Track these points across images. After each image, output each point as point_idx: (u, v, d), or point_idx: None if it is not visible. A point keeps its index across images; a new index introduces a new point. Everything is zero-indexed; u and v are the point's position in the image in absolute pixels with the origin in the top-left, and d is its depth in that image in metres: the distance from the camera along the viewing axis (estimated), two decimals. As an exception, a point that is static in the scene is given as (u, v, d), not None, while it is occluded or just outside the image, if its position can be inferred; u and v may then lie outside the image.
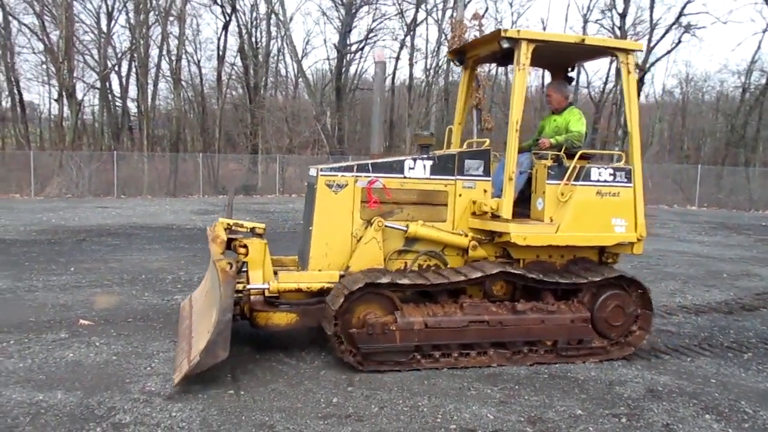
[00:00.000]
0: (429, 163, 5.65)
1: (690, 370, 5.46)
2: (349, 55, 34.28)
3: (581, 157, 5.72)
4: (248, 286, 5.34)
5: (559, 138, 5.95)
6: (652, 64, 32.98)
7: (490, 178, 5.75)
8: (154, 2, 29.83)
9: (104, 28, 30.42)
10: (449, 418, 4.23)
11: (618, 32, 31.61)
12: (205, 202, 23.17)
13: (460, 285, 5.35)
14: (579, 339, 5.51)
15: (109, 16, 30.60)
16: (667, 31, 32.40)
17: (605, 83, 34.32)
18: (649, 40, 31.22)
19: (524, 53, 5.49)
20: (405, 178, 5.62)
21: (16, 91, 29.77)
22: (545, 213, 5.61)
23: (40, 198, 22.93)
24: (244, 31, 32.46)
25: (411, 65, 35.17)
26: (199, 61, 33.42)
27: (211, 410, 4.21)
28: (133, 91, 31.51)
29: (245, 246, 5.42)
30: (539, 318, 5.36)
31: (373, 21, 33.31)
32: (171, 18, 30.34)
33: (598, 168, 5.75)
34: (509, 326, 5.31)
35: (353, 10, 33.74)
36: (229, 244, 5.42)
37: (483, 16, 31.34)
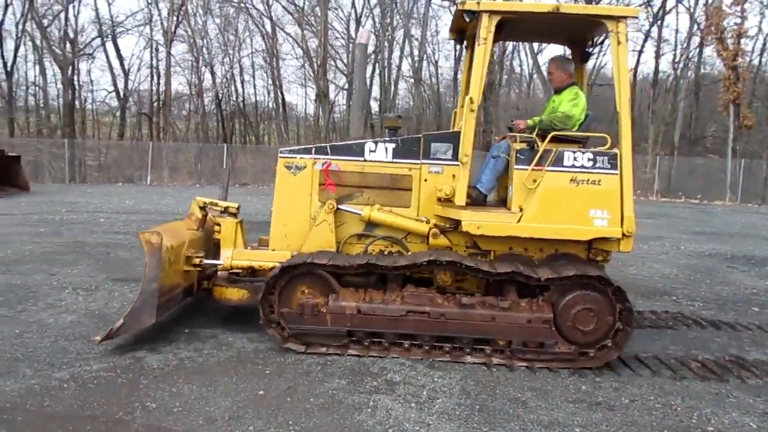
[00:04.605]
0: (392, 146, 5.49)
1: None
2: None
3: (574, 142, 5.26)
4: (204, 261, 5.58)
5: (536, 119, 5.44)
6: None
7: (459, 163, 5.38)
8: (397, 5, 31.92)
9: (353, 33, 33.33)
10: (706, 421, 4.16)
11: None
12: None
13: (385, 271, 5.09)
14: (540, 342, 4.96)
15: (358, 21, 33.45)
16: None
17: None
18: None
19: (485, 26, 5.08)
20: (365, 161, 5.51)
21: (279, 93, 34.06)
22: (513, 201, 5.18)
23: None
24: (481, 30, 33.18)
25: (657, 57, 32.91)
26: (437, 61, 35.07)
27: (469, 381, 4.65)
28: (375, 90, 34.03)
29: (219, 224, 5.74)
30: (489, 314, 4.91)
31: (615, 12, 31.52)
32: (412, 21, 32.19)
33: (574, 152, 5.13)
34: (452, 320, 4.94)
35: (592, 3, 32.50)
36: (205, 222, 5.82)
37: (746, 0, 28.16)
